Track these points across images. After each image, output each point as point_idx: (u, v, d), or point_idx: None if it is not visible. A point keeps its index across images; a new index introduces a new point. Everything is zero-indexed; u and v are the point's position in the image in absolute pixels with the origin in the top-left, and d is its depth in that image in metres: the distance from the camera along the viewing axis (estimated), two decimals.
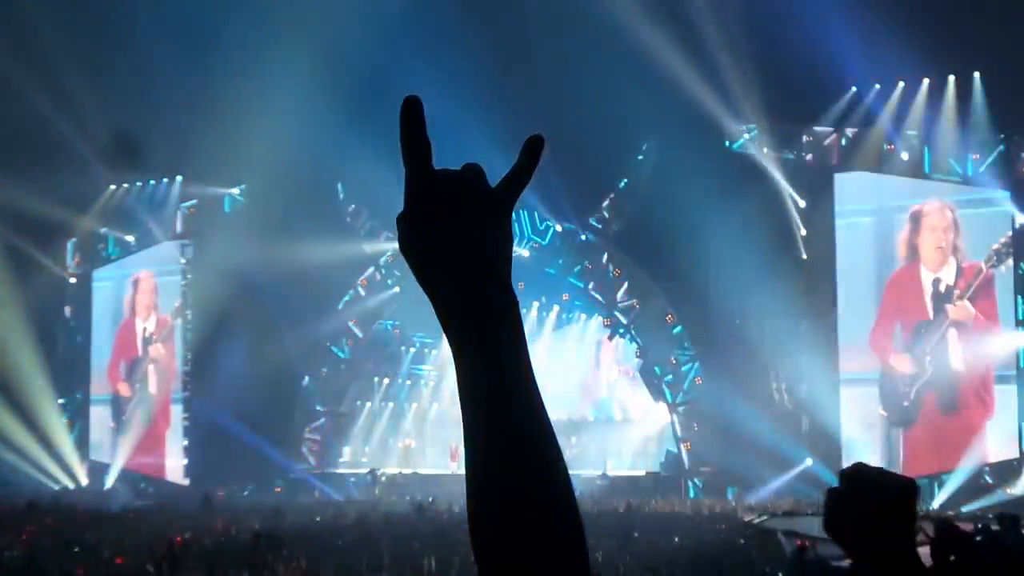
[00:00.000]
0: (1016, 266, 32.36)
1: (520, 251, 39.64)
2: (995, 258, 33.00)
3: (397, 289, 41.78)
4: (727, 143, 36.15)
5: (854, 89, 34.35)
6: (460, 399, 1.42)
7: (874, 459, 32.72)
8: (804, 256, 35.11)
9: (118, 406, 46.87)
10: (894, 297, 34.79)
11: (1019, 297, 32.50)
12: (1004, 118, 32.01)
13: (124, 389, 46.81)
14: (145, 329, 46.65)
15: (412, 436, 46.94)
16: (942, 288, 33.82)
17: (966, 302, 33.29)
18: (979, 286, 33.14)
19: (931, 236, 33.98)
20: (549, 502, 1.40)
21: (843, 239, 34.92)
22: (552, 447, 1.42)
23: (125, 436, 45.96)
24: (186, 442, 44.40)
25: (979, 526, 18.00)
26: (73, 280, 48.25)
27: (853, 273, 35.00)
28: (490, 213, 1.46)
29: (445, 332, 1.45)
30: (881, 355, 34.81)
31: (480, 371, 1.43)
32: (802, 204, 35.46)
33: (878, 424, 34.42)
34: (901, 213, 34.52)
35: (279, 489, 41.05)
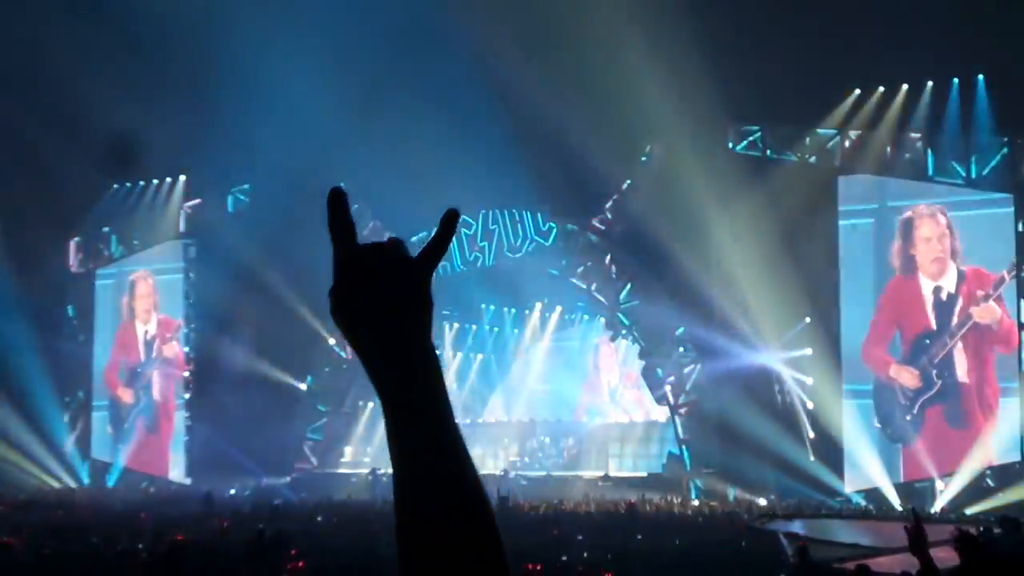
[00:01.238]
0: (1019, 269, 32.24)
1: (522, 252, 39.68)
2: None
3: None
4: (730, 145, 36.17)
5: (858, 91, 34.36)
6: (389, 449, 1.56)
7: (875, 463, 32.82)
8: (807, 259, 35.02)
9: (117, 412, 46.82)
10: (892, 306, 34.35)
11: (1022, 300, 32.36)
12: (1008, 121, 31.95)
13: (125, 395, 46.70)
14: (147, 332, 46.61)
15: None
16: (944, 296, 33.38)
17: (992, 303, 32.69)
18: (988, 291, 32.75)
19: (926, 247, 33.64)
20: (472, 544, 1.52)
21: (845, 243, 34.86)
22: (474, 490, 1.56)
23: (126, 444, 45.91)
24: (188, 440, 44.43)
25: (981, 529, 18.00)
26: (76, 279, 48.24)
27: (855, 277, 34.90)
28: (409, 281, 1.60)
29: (375, 388, 1.58)
30: (876, 366, 34.40)
31: (404, 424, 1.56)
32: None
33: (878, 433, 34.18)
34: (901, 215, 34.28)
35: (290, 479, 41.17)
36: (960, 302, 33.13)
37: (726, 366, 35.12)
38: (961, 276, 33.18)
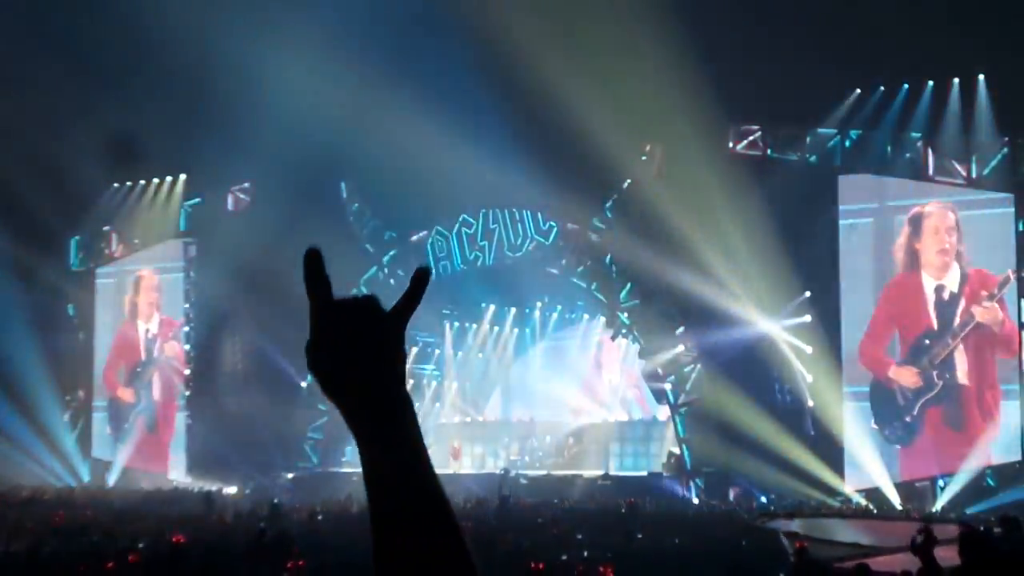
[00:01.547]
0: (1019, 269, 32.22)
1: (523, 251, 39.66)
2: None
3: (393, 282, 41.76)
4: (731, 144, 36.17)
5: (858, 91, 34.36)
6: (365, 486, 1.64)
7: (876, 464, 32.81)
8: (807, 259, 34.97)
9: (117, 412, 46.79)
10: (892, 306, 34.17)
11: (1022, 300, 32.32)
12: (1008, 121, 31.96)
13: (125, 395, 46.68)
14: (148, 331, 46.60)
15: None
16: (946, 296, 33.18)
17: (995, 304, 32.52)
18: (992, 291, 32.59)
19: (933, 239, 33.49)
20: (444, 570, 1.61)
21: (845, 243, 34.81)
22: (446, 521, 1.63)
23: (125, 444, 45.91)
24: (188, 440, 44.45)
25: (982, 528, 18.01)
26: (76, 277, 48.24)
27: (855, 277, 34.86)
28: (383, 333, 1.68)
29: (351, 431, 1.68)
30: (873, 367, 34.25)
31: (377, 464, 1.64)
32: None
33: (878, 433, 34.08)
34: (901, 216, 34.15)
35: (291, 476, 41.19)
36: (963, 302, 32.94)
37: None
38: (964, 277, 33.03)
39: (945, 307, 33.24)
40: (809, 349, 34.79)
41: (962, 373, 32.82)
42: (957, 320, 33.00)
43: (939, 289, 33.36)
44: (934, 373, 33.18)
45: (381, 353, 1.66)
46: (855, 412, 34.21)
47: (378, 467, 1.64)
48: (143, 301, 46.67)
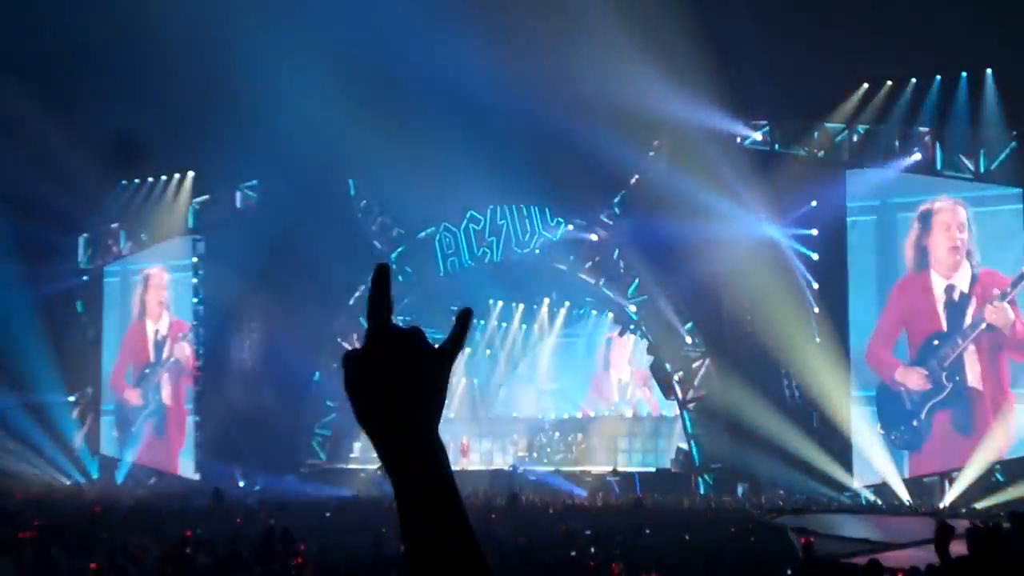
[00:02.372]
0: None
1: (531, 247, 39.62)
2: None
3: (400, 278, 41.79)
4: (739, 139, 36.13)
5: (866, 85, 34.27)
6: (399, 514, 1.66)
7: (884, 459, 32.74)
8: (815, 256, 34.88)
9: (124, 415, 46.66)
10: (901, 305, 33.62)
11: None
12: (1016, 115, 31.84)
13: (133, 396, 46.54)
14: (157, 331, 46.52)
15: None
16: (956, 296, 32.65)
17: (1007, 305, 31.91)
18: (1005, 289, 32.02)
19: (944, 235, 33.08)
20: None
21: (852, 240, 34.51)
22: (474, 554, 1.64)
23: (134, 448, 45.80)
24: (197, 436, 44.49)
25: (990, 524, 17.97)
26: (85, 275, 48.30)
27: (861, 275, 34.51)
28: (430, 369, 1.70)
29: (381, 461, 1.69)
30: (880, 369, 33.80)
31: (410, 496, 1.65)
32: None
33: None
34: (908, 212, 33.77)
35: (304, 469, 41.27)
36: (974, 302, 32.42)
37: (735, 361, 34.97)
38: (975, 277, 32.54)
39: (955, 308, 32.67)
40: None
41: (972, 376, 32.26)
42: (968, 321, 32.47)
43: (949, 289, 32.86)
44: (943, 375, 32.63)
45: (424, 391, 1.69)
46: (862, 417, 33.73)
47: (407, 500, 1.65)
48: (152, 300, 46.63)
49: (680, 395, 37.31)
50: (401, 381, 1.67)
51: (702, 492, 35.46)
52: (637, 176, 38.04)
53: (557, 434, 44.77)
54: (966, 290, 32.64)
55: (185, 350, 45.52)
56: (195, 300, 45.25)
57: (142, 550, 17.86)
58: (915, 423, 32.96)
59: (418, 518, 1.64)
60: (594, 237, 39.01)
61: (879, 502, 32.49)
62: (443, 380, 1.71)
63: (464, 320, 1.76)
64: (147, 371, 46.32)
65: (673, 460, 39.09)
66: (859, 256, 34.52)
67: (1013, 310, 31.92)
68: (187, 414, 45.17)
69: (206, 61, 34.99)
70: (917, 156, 33.77)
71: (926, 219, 33.50)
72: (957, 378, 32.50)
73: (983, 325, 32.23)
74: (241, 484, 39.95)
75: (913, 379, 33.18)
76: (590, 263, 39.20)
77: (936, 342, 32.90)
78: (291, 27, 34.53)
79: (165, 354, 46.07)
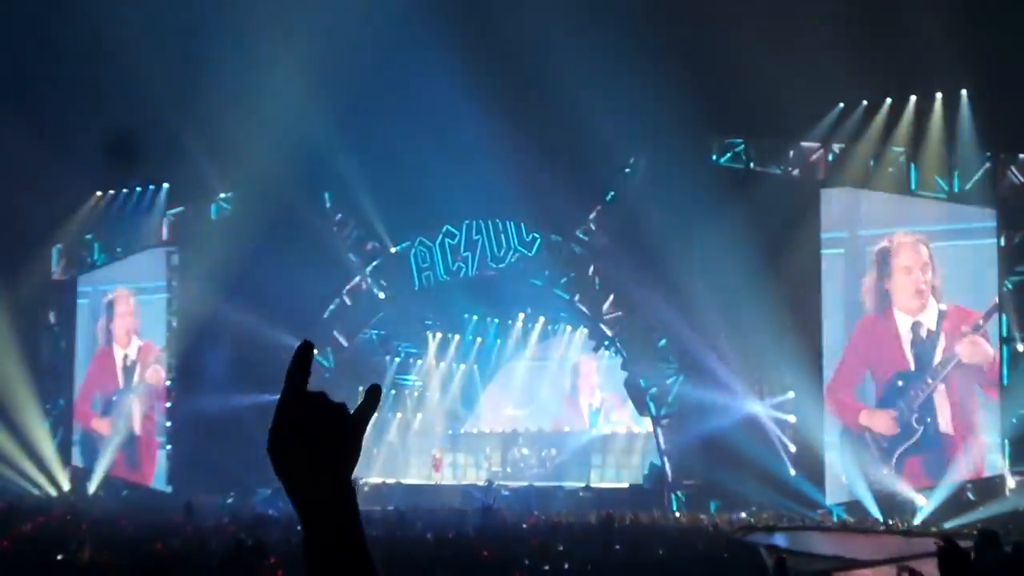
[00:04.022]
0: (1000, 284, 32.00)
1: (506, 262, 39.59)
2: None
3: (382, 295, 41.69)
4: (714, 157, 36.23)
5: (841, 105, 34.39)
6: (306, 557, 1.83)
7: (857, 477, 32.70)
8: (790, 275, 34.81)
9: (91, 446, 45.67)
10: (862, 348, 32.59)
11: (1003, 316, 31.93)
12: (991, 136, 31.95)
13: (100, 426, 45.50)
14: (126, 356, 45.76)
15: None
16: (924, 333, 31.51)
17: (980, 339, 30.73)
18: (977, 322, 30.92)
19: (906, 279, 32.08)
20: None
21: (825, 266, 33.89)
22: None
23: (105, 461, 45.08)
24: (169, 448, 44.17)
25: (952, 542, 18.01)
26: (58, 286, 47.98)
27: (831, 308, 33.71)
28: (345, 434, 1.86)
29: (298, 515, 1.86)
30: (843, 413, 32.83)
31: (322, 548, 1.82)
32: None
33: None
34: (871, 246, 32.91)
35: (272, 491, 40.99)
36: (943, 340, 31.28)
37: (709, 378, 34.99)
38: (942, 314, 31.55)
39: (923, 346, 31.48)
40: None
41: (944, 420, 31.09)
42: (937, 358, 31.39)
43: (916, 326, 31.73)
44: (913, 417, 31.44)
45: (339, 452, 1.84)
46: (831, 461, 32.95)
47: (318, 551, 1.82)
48: (120, 328, 45.65)
49: (654, 411, 37.33)
50: (321, 442, 1.83)
51: (674, 508, 35.47)
52: (612, 193, 38.11)
53: (529, 450, 44.77)
54: (934, 327, 31.61)
55: (157, 374, 44.80)
56: (168, 312, 44.93)
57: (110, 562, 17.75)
58: (885, 471, 31.87)
59: (329, 559, 1.80)
60: (569, 252, 39.02)
61: (851, 520, 32.52)
62: (358, 444, 1.87)
63: (372, 396, 1.90)
64: (115, 398, 45.53)
65: (646, 476, 39.11)
66: (829, 287, 33.86)
67: (988, 344, 31.04)
68: (158, 446, 44.43)
69: (182, 72, 34.97)
70: (891, 175, 33.88)
71: (884, 260, 32.62)
72: (928, 419, 31.34)
73: (955, 362, 31.14)
74: (215, 497, 39.73)
75: (881, 422, 32.19)
76: (565, 279, 39.20)
77: (900, 383, 31.82)
78: (267, 40, 34.51)
79: (136, 379, 45.40)
